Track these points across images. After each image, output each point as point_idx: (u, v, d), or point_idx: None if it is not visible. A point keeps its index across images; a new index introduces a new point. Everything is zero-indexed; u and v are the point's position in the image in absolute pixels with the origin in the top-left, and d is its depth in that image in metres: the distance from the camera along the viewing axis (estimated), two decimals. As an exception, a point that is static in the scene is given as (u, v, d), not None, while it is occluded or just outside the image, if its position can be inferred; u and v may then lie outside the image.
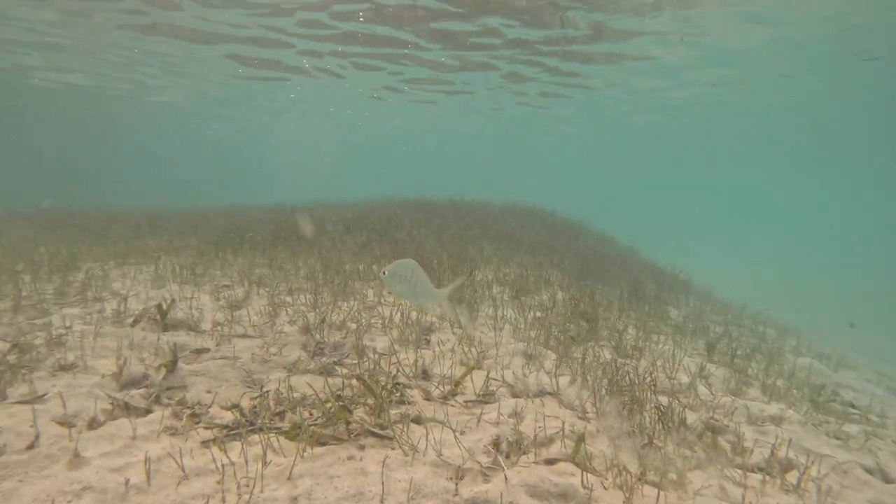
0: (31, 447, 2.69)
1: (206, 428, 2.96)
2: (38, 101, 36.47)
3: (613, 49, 17.04)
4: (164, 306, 4.71)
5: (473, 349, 4.61)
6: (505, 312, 5.96)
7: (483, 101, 27.86)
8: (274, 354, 4.15)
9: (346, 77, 23.65)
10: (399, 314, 5.35)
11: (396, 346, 4.56)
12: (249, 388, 3.69)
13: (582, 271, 8.96)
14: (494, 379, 4.08)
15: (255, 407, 3.11)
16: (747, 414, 4.37)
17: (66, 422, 3.04)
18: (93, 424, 2.99)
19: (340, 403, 3.18)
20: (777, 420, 4.33)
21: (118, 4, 15.55)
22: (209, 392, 3.56)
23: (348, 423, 3.05)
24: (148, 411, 3.30)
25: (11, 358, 3.80)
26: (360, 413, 3.25)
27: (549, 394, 4.00)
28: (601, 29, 15.18)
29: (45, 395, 3.35)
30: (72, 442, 2.74)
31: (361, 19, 15.48)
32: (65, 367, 3.75)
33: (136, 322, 4.70)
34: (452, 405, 3.66)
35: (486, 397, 3.80)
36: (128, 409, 3.31)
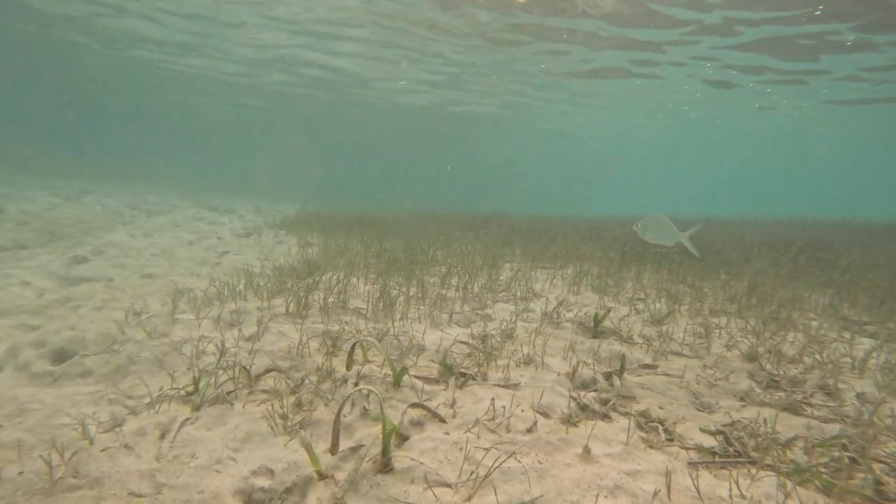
0: (530, 430, 3.03)
1: (681, 447, 2.92)
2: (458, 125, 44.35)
3: None
4: (599, 314, 4.94)
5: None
6: None
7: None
8: (720, 380, 3.94)
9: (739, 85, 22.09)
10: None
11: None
12: (700, 410, 3.55)
13: None
14: None
15: (739, 437, 2.95)
16: None
17: (542, 412, 3.36)
18: (569, 420, 3.23)
19: (849, 455, 2.77)
20: None
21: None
22: (661, 408, 3.54)
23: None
24: (606, 416, 3.43)
25: (486, 344, 4.45)
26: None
27: None
28: None
29: (518, 383, 3.79)
30: (567, 434, 2.99)
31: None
32: (525, 361, 4.20)
33: (576, 330, 5.03)
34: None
35: None
36: (585, 410, 3.52)
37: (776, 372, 3.99)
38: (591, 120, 37.97)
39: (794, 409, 3.42)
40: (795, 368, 4.12)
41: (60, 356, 4.08)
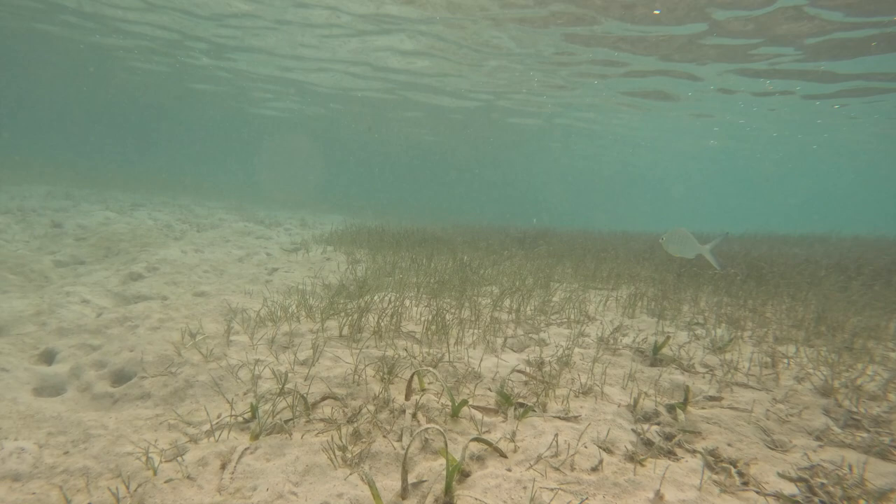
0: (595, 469, 2.91)
1: (759, 493, 2.76)
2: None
3: None
4: (658, 341, 4.77)
5: None
6: None
7: None
8: (791, 415, 3.73)
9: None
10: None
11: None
12: (772, 449, 3.36)
13: None
14: None
15: (823, 485, 2.76)
16: None
17: (606, 447, 3.24)
18: (634, 457, 3.10)
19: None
20: None
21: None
22: (730, 445, 3.37)
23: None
24: (671, 453, 3.28)
25: (543, 371, 4.33)
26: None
27: None
28: None
29: (577, 416, 3.67)
30: (635, 475, 2.86)
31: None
32: (584, 391, 4.07)
33: (634, 357, 4.87)
34: None
35: None
36: (650, 447, 3.37)
37: (855, 409, 3.76)
38: (644, 134, 37.60)
39: (882, 454, 3.20)
40: (878, 406, 3.87)
41: (120, 377, 4.15)
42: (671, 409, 3.79)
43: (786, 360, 4.76)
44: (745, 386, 4.27)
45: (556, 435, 3.20)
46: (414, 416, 3.49)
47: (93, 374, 4.09)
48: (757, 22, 14.47)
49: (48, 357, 4.47)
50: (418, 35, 20.11)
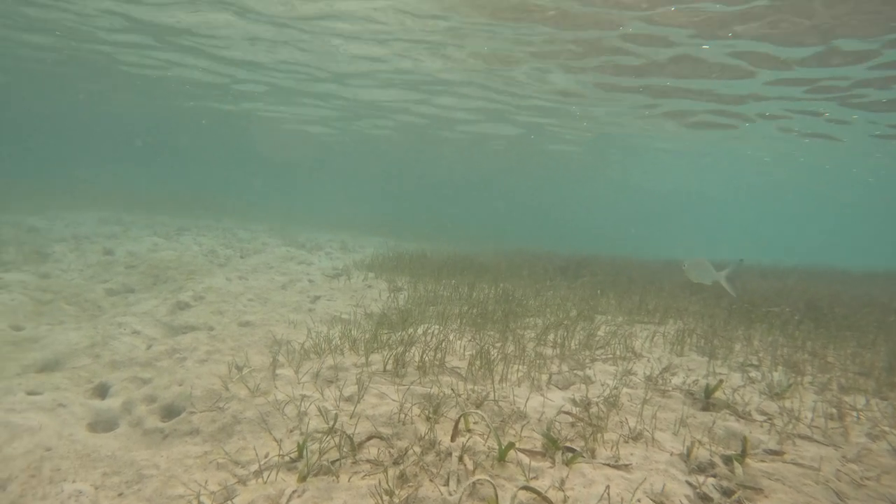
0: (650, 528, 2.79)
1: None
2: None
3: None
4: (711, 384, 4.60)
5: None
6: None
7: None
8: (868, 479, 3.51)
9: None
10: None
11: None
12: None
13: None
14: None
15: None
16: None
17: (660, 501, 3.10)
18: (693, 516, 2.96)
19: None
20: None
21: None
22: (796, 506, 3.19)
23: None
24: (730, 510, 3.13)
25: (590, 413, 4.21)
26: None
27: None
28: None
29: (628, 464, 3.54)
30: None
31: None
32: (634, 437, 3.94)
33: (685, 400, 4.71)
34: None
35: None
36: (707, 503, 3.22)
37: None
38: (701, 162, 37.22)
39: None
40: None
41: (169, 412, 4.21)
42: (728, 460, 3.62)
43: (855, 413, 4.51)
44: (810, 439, 4.06)
45: (608, 487, 3.09)
46: (460, 459, 3.42)
47: (144, 409, 4.15)
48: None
49: (102, 391, 4.57)
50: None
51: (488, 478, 2.64)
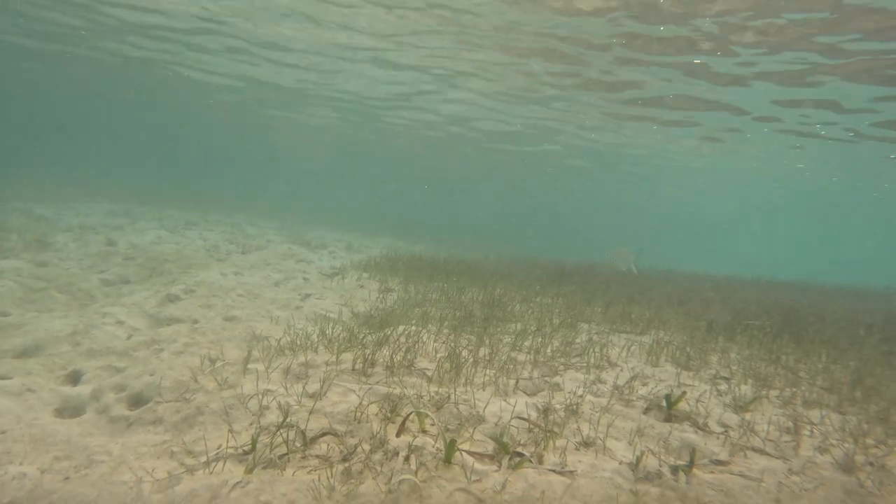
0: (577, 533, 2.85)
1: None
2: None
3: None
4: (673, 397, 4.64)
5: None
6: None
7: None
8: (805, 490, 3.54)
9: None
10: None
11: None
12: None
13: None
14: None
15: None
16: None
17: (597, 508, 3.16)
18: (624, 522, 3.01)
19: None
20: None
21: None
22: (735, 517, 3.23)
23: None
24: (668, 519, 3.17)
25: (548, 419, 4.27)
26: None
27: None
28: None
29: (573, 470, 3.59)
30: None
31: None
32: (586, 443, 3.99)
33: (647, 410, 4.74)
34: None
35: None
36: (648, 510, 3.26)
37: (877, 492, 3.54)
38: (710, 178, 37.05)
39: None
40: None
41: (137, 401, 4.32)
42: (675, 470, 3.67)
43: (810, 427, 4.53)
44: (761, 452, 4.08)
45: (544, 492, 3.15)
46: (406, 459, 3.50)
47: (112, 396, 4.27)
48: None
49: (74, 378, 4.70)
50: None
51: (413, 478, 2.72)
